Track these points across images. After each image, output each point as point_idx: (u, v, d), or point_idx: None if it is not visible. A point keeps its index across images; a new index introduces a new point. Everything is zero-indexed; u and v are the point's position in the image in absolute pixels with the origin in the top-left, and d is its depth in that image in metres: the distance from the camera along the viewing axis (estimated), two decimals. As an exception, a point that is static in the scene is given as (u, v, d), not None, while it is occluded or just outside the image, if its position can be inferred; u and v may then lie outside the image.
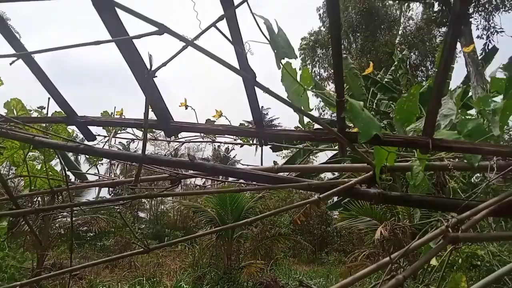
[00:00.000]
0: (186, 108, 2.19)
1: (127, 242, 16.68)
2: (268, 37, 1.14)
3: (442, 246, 1.06)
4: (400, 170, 1.66)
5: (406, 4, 22.89)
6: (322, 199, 1.48)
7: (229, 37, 1.20)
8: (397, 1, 23.15)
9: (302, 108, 1.39)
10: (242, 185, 1.97)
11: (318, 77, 26.78)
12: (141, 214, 31.06)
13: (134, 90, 1.50)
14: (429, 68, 23.34)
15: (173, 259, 14.51)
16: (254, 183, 1.81)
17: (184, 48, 1.10)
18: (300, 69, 1.39)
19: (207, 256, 13.15)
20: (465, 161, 1.66)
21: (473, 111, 2.00)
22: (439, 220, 1.22)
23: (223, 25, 1.18)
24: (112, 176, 2.17)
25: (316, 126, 1.58)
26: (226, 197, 11.41)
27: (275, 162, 1.81)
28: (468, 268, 6.88)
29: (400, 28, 24.57)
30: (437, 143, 1.37)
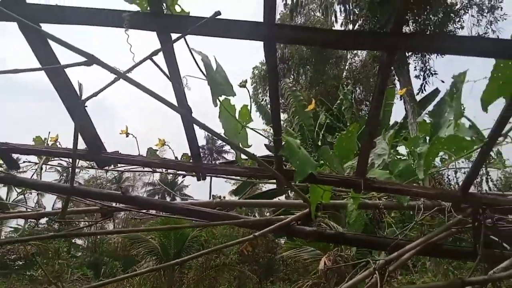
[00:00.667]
0: (127, 136, 2.10)
1: (58, 271, 15.39)
2: (205, 73, 1.13)
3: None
4: (336, 207, 1.69)
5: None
6: (257, 237, 1.46)
7: (167, 71, 1.18)
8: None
9: (240, 145, 1.39)
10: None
11: (269, 106, 27.36)
12: (79, 241, 29.06)
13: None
14: (372, 103, 24.73)
15: (109, 291, 13.56)
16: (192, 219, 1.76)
17: (115, 80, 1.06)
18: (251, 99, 1.39)
19: (147, 287, 12.46)
20: (395, 200, 1.74)
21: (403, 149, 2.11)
22: (368, 261, 1.24)
23: (161, 59, 1.16)
24: (37, 206, 2.00)
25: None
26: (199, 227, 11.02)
27: (214, 197, 1.77)
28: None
29: (347, 64, 26.03)
30: (369, 184, 1.41)
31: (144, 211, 1.76)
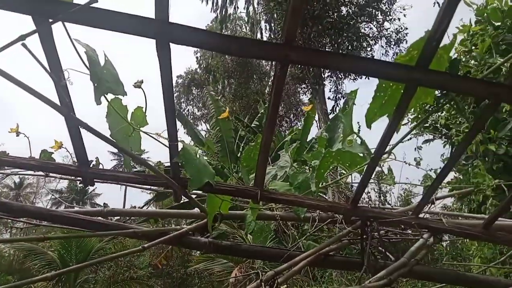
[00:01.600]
0: (17, 135, 1.86)
1: None
2: (89, 68, 1.03)
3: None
4: (234, 218, 1.67)
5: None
6: (146, 248, 1.37)
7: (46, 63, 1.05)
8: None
9: (131, 149, 1.30)
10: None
11: (192, 116, 27.07)
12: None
13: None
14: (292, 119, 25.87)
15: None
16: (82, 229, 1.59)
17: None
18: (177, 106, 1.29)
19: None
20: (294, 212, 1.77)
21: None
22: (257, 273, 1.22)
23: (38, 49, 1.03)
24: None
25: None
26: (71, 238, 10.14)
27: (105, 205, 1.63)
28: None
29: (270, 80, 26.89)
30: (265, 194, 1.41)
31: (20, 219, 1.56)
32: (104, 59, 1.11)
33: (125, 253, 1.31)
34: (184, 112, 26.61)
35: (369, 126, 1.21)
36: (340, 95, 17.41)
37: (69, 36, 1.00)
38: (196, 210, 1.73)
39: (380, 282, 1.12)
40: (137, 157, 1.24)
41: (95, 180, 1.38)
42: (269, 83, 26.90)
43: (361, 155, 1.61)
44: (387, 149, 1.44)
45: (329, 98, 17.47)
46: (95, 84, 1.05)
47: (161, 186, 1.42)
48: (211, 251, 1.51)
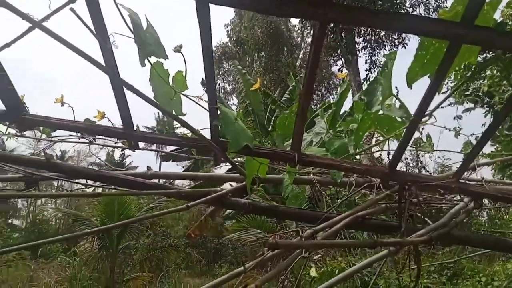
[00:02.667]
0: (62, 105, 1.96)
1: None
2: (133, 31, 1.07)
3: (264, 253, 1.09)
4: (272, 182, 1.71)
5: (307, 30, 24.72)
6: (190, 207, 1.44)
7: (92, 27, 1.10)
8: (300, 25, 24.83)
9: (174, 111, 1.34)
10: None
11: (222, 90, 27.16)
12: (16, 222, 27.43)
13: None
14: (324, 93, 25.43)
15: (47, 273, 12.93)
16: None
17: (30, 29, 0.97)
18: (186, 65, 1.33)
19: (89, 269, 12.05)
20: (330, 176, 1.78)
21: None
22: (297, 230, 1.26)
23: (85, 12, 1.07)
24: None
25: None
26: (114, 206, 10.68)
27: (148, 168, 1.71)
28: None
29: (301, 53, 26.38)
30: (302, 158, 1.43)
31: (73, 180, 1.67)
32: (146, 23, 1.14)
33: (171, 211, 1.39)
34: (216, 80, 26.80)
35: (410, 85, 1.19)
36: (375, 66, 16.84)
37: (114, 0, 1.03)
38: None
39: (421, 238, 1.13)
40: (181, 119, 1.28)
41: (140, 142, 1.45)
42: (300, 55, 26.41)
43: (399, 119, 1.58)
44: (427, 112, 1.41)
45: (366, 70, 17.00)
46: (139, 47, 1.09)
47: (200, 148, 1.47)
48: (250, 211, 1.56)
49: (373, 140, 2.60)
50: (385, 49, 18.09)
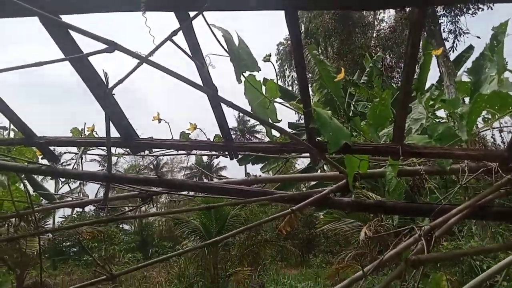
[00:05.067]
0: (159, 122, 2.12)
1: (111, 255, 16.32)
2: (227, 50, 1.10)
3: (401, 270, 1.03)
4: (373, 177, 1.64)
5: (379, 7, 23.34)
6: (295, 210, 1.45)
7: (188, 51, 1.16)
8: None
9: (270, 120, 1.36)
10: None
11: (295, 82, 26.96)
12: (126, 227, 30.49)
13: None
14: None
15: (158, 272, 14.20)
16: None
17: (139, 65, 1.06)
18: (278, 75, 1.35)
19: (193, 266, 12.95)
20: (437, 164, 1.66)
21: (442, 112, 2.01)
22: (412, 228, 1.20)
23: (181, 39, 1.14)
24: (81, 195, 2.08)
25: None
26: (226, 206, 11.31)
27: (248, 175, 1.76)
28: (451, 264, 6.97)
29: (374, 31, 25.00)
30: (407, 150, 1.35)
31: (181, 192, 1.79)
32: (237, 38, 1.17)
33: (277, 216, 1.42)
34: (287, 79, 26.74)
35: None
36: (460, 31, 15.21)
37: (207, 23, 1.07)
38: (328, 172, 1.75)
39: None
40: (278, 126, 1.30)
41: (239, 152, 1.51)
42: (374, 34, 25.05)
43: (513, 94, 1.41)
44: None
45: (444, 39, 15.38)
46: (235, 64, 1.12)
47: (298, 152, 1.47)
48: (355, 209, 1.53)
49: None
50: (469, 13, 16.28)
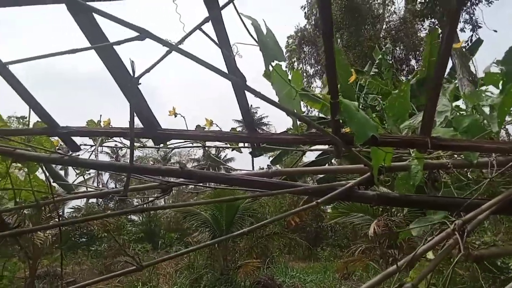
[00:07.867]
0: (175, 116, 2.11)
1: (124, 246, 16.54)
2: (256, 38, 1.08)
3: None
4: (398, 170, 1.62)
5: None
6: (320, 204, 1.43)
7: (216, 39, 1.14)
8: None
9: (295, 111, 1.34)
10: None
11: (304, 74, 26.82)
12: (134, 217, 30.77)
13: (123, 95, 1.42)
14: (413, 62, 23.53)
15: (168, 262, 14.33)
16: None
17: (168, 53, 1.04)
18: (287, 68, 1.33)
19: (203, 257, 13.04)
20: (463, 158, 1.63)
21: (460, 103, 1.96)
22: (443, 222, 1.17)
23: (209, 28, 1.12)
24: (100, 186, 2.08)
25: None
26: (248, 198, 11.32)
27: (269, 166, 1.75)
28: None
29: (384, 23, 24.70)
30: (435, 142, 1.32)
31: (201, 184, 1.78)
32: (265, 27, 1.14)
33: (299, 210, 1.40)
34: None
35: None
36: (476, 24, 14.95)
37: (237, 11, 1.05)
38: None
39: None
40: (303, 117, 1.28)
41: (263, 144, 1.49)
42: (384, 26, 24.74)
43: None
44: None
45: (460, 30, 15.13)
46: (264, 53, 1.10)
47: (324, 144, 1.45)
48: (379, 203, 1.50)
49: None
50: (482, 2, 16.02)
